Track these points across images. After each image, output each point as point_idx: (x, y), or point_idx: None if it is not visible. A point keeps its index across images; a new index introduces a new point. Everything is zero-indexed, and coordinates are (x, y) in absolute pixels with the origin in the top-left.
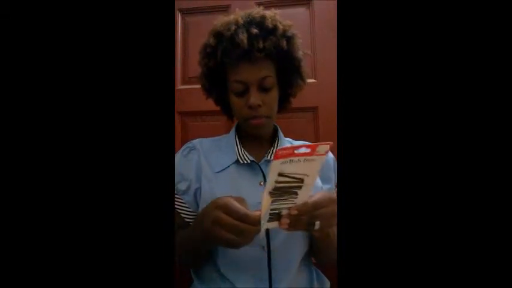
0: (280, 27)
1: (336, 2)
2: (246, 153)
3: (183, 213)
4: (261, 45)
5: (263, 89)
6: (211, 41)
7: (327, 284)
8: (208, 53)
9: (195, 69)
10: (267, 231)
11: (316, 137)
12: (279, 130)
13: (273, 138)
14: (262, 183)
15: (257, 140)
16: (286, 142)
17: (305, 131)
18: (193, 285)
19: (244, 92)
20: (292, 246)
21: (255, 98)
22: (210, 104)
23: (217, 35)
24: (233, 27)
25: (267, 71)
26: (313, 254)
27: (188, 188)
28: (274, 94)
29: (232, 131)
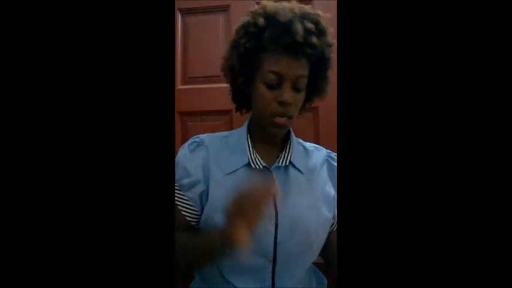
0: (329, 32)
1: (336, 1)
2: (258, 156)
3: (185, 211)
4: (314, 41)
5: (295, 88)
6: (260, 21)
7: (324, 280)
8: (251, 33)
9: (195, 69)
10: (275, 242)
11: (316, 137)
12: (292, 133)
13: (285, 141)
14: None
15: (269, 141)
16: (298, 145)
17: (305, 131)
18: (194, 281)
19: (276, 86)
20: (299, 258)
21: (288, 94)
22: (210, 104)
23: (269, 17)
24: (290, 15)
25: (304, 71)
26: (327, 265)
27: (192, 185)
28: (302, 96)
29: (244, 129)
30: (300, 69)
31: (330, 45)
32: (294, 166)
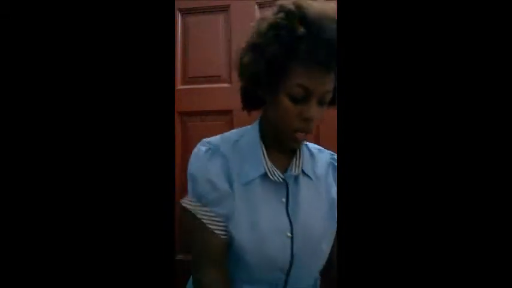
0: None
1: (335, 2)
2: (274, 167)
3: (218, 230)
4: None
5: (320, 103)
6: (300, 30)
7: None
8: (285, 41)
9: (195, 69)
10: (291, 255)
11: (316, 137)
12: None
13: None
14: (284, 200)
15: (280, 148)
16: (306, 150)
17: None
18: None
19: (301, 100)
20: (311, 267)
21: (314, 110)
22: (210, 104)
23: (310, 25)
24: (332, 25)
25: (332, 85)
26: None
27: (222, 199)
28: (323, 113)
29: (255, 133)
30: (330, 84)
31: None
32: (304, 173)
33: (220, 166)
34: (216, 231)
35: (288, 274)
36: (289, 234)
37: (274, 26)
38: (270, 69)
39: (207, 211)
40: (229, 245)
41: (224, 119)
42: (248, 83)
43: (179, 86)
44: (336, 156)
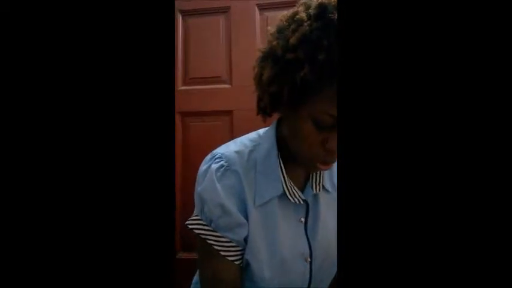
0: None
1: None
2: (294, 186)
3: (231, 257)
4: None
5: None
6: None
7: None
8: (317, 65)
9: (196, 70)
10: (310, 279)
11: None
12: None
13: None
14: (303, 219)
15: (295, 165)
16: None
17: None
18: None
19: (327, 128)
20: (326, 284)
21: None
22: (210, 105)
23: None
24: None
25: None
26: None
27: (234, 226)
28: None
29: (273, 148)
30: None
31: None
32: (324, 188)
33: (232, 187)
34: (229, 258)
35: None
36: (309, 259)
37: (303, 37)
38: (295, 94)
39: (218, 236)
40: (244, 269)
41: (224, 120)
42: (265, 99)
43: (180, 87)
44: None
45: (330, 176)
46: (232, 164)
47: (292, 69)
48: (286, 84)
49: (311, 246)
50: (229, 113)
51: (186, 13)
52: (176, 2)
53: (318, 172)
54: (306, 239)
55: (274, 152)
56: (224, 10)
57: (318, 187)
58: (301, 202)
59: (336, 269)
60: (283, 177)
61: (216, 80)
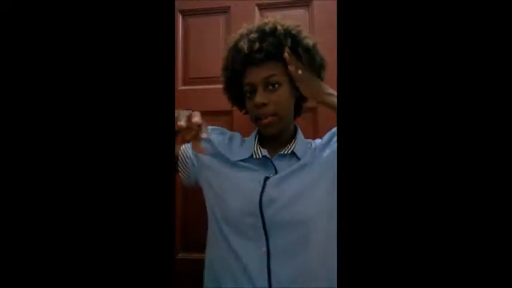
0: (279, 27)
1: (335, 3)
2: (260, 149)
3: (180, 160)
4: (256, 47)
5: (268, 88)
6: (227, 55)
7: None
8: (226, 66)
9: (196, 70)
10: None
11: (316, 137)
12: (299, 131)
13: (292, 139)
14: (273, 175)
15: (275, 141)
16: (305, 143)
17: (305, 131)
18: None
19: (253, 93)
20: (293, 243)
21: (259, 96)
22: (210, 104)
23: (228, 49)
24: (237, 37)
25: (270, 71)
26: None
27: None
28: (282, 92)
29: (254, 131)
30: (265, 71)
31: (292, 36)
32: (295, 154)
33: (205, 148)
34: (180, 166)
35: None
36: (261, 182)
37: (223, 62)
38: (230, 87)
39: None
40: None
41: (224, 119)
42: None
43: (180, 87)
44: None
45: (306, 148)
46: (227, 133)
47: (225, 69)
48: (225, 78)
49: (265, 180)
50: (229, 113)
51: (186, 13)
52: (176, 2)
53: (292, 142)
54: (263, 179)
55: (253, 135)
56: (224, 10)
57: (287, 151)
58: (261, 157)
59: (290, 206)
60: (254, 145)
61: (216, 80)
